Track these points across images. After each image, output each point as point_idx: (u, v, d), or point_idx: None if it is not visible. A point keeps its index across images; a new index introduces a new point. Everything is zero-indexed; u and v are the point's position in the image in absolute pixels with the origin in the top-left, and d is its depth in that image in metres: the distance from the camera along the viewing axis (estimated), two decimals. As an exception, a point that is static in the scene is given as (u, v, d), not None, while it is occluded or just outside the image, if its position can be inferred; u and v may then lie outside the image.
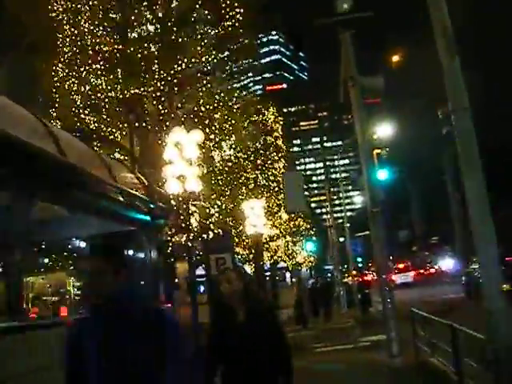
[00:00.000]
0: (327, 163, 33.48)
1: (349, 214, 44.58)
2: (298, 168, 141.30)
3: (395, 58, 18.63)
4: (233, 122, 17.15)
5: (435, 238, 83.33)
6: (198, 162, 11.07)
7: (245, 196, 25.23)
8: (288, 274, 49.49)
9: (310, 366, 10.99)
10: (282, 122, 33.37)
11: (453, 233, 70.62)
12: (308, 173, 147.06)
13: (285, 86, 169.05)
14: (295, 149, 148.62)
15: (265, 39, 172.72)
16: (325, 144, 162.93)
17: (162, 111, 14.47)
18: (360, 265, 36.66)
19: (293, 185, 17.13)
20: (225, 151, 18.12)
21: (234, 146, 19.46)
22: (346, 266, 42.02)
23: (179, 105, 15.41)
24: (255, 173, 27.31)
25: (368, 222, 11.81)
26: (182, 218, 12.33)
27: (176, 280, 21.37)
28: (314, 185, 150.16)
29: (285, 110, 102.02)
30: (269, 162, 29.33)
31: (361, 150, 12.05)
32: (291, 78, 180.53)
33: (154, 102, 14.53)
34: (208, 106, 15.42)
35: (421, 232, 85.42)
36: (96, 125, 14.74)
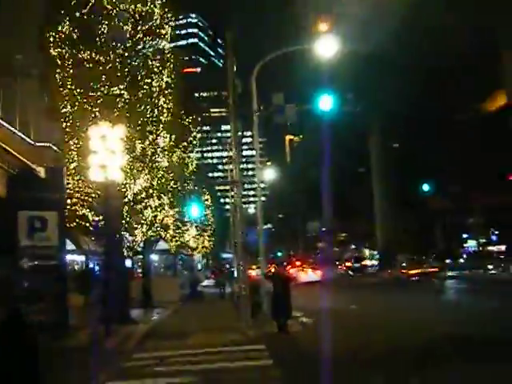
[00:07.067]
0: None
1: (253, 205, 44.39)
2: (206, 155, 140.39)
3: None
4: None
5: (343, 235, 78.10)
6: None
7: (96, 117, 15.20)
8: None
9: None
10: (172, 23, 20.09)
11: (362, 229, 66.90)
12: (215, 161, 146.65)
13: (199, 70, 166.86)
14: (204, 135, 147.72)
15: (183, 21, 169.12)
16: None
17: None
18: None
19: None
20: None
21: None
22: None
23: None
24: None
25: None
26: None
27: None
28: (220, 173, 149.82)
29: (196, 95, 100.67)
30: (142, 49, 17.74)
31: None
32: (206, 63, 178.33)
33: None
34: None
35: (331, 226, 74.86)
36: None
